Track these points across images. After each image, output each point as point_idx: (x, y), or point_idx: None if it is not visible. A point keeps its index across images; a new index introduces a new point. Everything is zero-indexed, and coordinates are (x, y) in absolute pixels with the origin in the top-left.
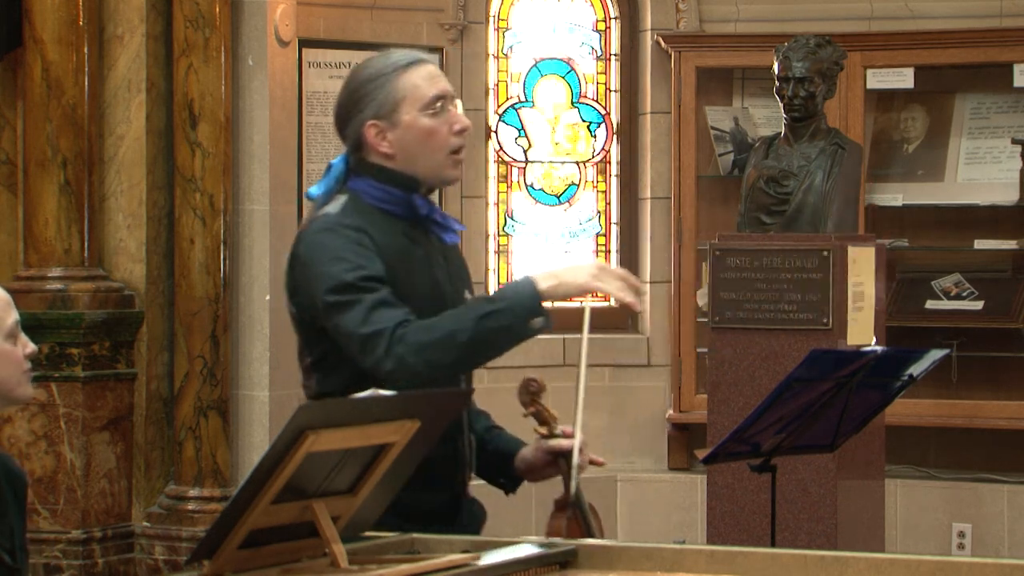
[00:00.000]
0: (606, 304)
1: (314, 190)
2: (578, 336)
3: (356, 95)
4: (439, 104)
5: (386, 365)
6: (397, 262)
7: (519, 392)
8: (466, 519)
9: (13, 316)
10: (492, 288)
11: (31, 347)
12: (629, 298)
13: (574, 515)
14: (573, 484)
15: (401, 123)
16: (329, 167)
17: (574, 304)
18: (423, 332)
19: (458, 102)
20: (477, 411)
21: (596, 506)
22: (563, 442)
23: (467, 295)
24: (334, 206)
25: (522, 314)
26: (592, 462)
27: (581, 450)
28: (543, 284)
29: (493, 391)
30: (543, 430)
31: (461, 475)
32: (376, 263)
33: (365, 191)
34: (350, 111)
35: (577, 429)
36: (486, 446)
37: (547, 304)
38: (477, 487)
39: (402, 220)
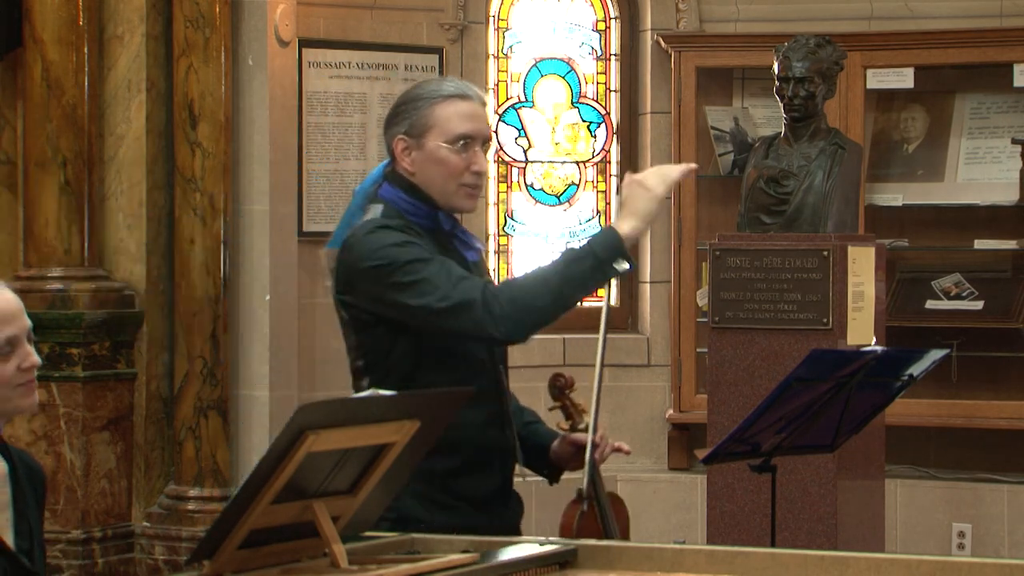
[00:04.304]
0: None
1: (358, 188)
2: (595, 336)
3: (398, 108)
4: (462, 143)
5: (490, 327)
6: None
7: (548, 387)
8: (515, 505)
9: (6, 332)
10: None
11: (31, 360)
12: (686, 168)
13: (590, 508)
14: (585, 478)
15: (425, 147)
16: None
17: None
18: (514, 288)
19: (491, 146)
20: (518, 406)
21: (624, 499)
22: (583, 436)
23: None
24: (373, 213)
25: (605, 256)
26: (618, 449)
27: (597, 444)
28: (625, 227)
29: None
30: (565, 425)
31: (511, 463)
32: (422, 246)
33: (395, 201)
34: (390, 122)
35: (591, 424)
36: (525, 441)
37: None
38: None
39: (428, 233)
